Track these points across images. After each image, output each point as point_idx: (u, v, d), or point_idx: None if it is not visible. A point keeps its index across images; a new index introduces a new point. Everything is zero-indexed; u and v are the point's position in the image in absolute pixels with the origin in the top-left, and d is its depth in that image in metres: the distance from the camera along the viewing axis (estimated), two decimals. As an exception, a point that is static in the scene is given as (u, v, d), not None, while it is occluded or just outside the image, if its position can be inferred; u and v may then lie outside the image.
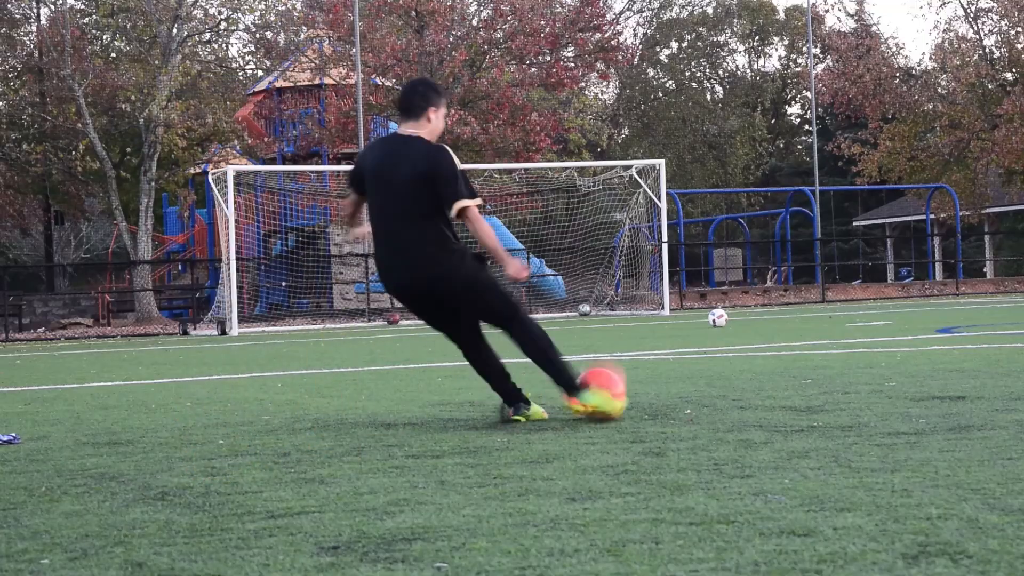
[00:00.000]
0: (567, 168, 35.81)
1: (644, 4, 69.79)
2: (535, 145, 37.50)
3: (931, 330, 16.38)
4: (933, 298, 36.01)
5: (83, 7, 42.54)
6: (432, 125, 7.01)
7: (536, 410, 6.99)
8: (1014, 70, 45.16)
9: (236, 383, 11.17)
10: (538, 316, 31.12)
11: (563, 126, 44.38)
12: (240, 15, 38.64)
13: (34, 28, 39.31)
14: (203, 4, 37.89)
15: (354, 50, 35.24)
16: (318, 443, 6.35)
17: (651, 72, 70.35)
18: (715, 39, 71.11)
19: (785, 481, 4.61)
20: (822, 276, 39.72)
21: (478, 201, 6.89)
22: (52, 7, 39.01)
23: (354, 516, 4.22)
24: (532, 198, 37.46)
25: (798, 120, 75.22)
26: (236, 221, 29.61)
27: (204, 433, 6.99)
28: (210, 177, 29.82)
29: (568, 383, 6.84)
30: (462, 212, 6.82)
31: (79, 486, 5.15)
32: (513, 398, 7.02)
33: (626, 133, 71.22)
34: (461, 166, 6.95)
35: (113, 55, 39.48)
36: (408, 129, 7.01)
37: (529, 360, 6.97)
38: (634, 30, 69.33)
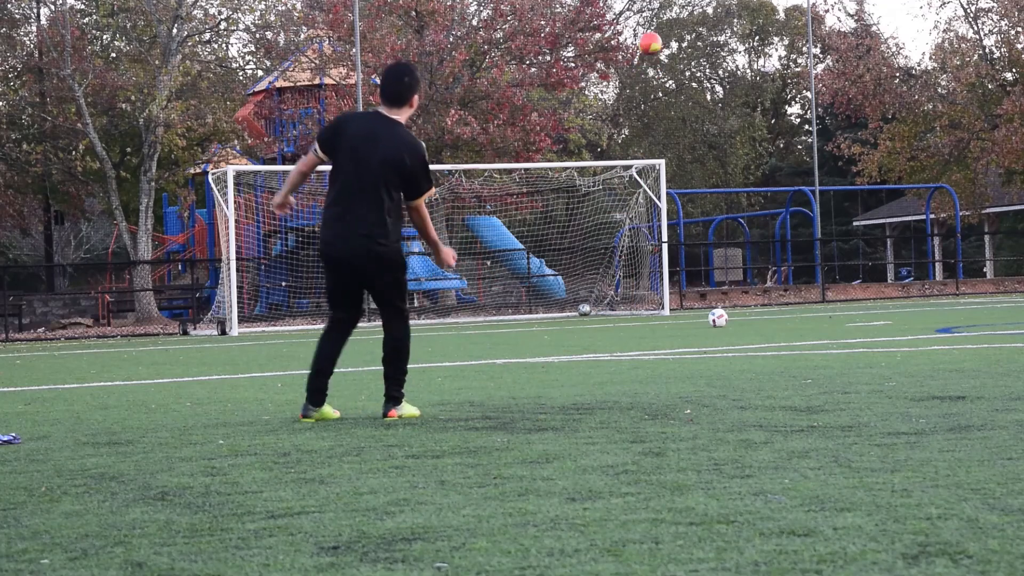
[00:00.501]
0: (567, 168, 35.80)
1: (644, 4, 69.72)
2: (535, 145, 37.46)
3: (931, 330, 16.38)
4: (933, 298, 36.00)
5: (83, 7, 42.52)
6: (411, 110, 7.67)
7: (326, 410, 7.56)
8: (1014, 70, 45.13)
9: (236, 383, 11.17)
10: (538, 316, 31.10)
11: (563, 126, 44.33)
12: (240, 15, 38.62)
13: (34, 28, 39.27)
14: (203, 4, 37.86)
15: (354, 50, 35.23)
16: (318, 443, 6.35)
17: (651, 72, 70.30)
18: (715, 39, 71.06)
19: (785, 481, 4.61)
20: (822, 276, 39.70)
21: (432, 192, 7.55)
22: (52, 7, 38.99)
23: (354, 516, 4.22)
24: (532, 198, 37.45)
25: (798, 120, 75.20)
26: (236, 221, 29.60)
27: (204, 433, 6.99)
28: (210, 177, 29.80)
29: (395, 396, 7.50)
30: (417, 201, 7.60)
31: (79, 486, 5.15)
32: (315, 399, 7.52)
33: (626, 133, 71.18)
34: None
35: (113, 55, 39.45)
36: (390, 113, 7.57)
37: (384, 351, 7.56)
38: (634, 30, 69.26)
